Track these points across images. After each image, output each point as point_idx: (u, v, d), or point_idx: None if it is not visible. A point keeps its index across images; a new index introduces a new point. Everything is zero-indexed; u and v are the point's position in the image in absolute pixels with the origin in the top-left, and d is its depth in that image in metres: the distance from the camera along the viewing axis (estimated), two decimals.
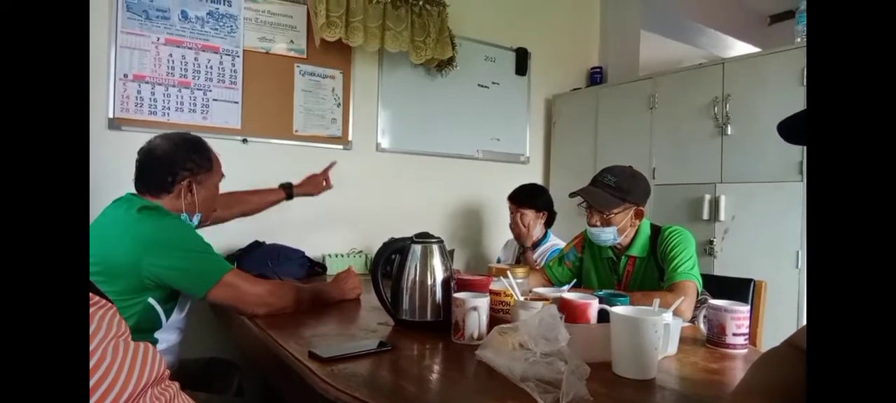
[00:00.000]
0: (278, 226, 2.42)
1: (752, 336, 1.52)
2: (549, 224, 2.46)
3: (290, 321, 1.34)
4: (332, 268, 2.31)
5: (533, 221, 2.39)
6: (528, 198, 2.41)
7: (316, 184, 2.17)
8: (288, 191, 2.09)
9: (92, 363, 0.53)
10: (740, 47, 3.98)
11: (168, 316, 1.38)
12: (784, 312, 2.03)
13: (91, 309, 0.57)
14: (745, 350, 1.15)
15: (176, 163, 1.43)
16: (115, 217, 1.38)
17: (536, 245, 2.42)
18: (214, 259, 1.38)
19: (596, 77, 3.41)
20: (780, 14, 4.03)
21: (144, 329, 1.34)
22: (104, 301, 0.61)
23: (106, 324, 0.57)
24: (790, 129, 0.65)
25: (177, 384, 0.69)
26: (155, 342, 1.38)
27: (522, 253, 2.45)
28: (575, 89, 3.34)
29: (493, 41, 3.13)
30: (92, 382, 0.52)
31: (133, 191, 1.47)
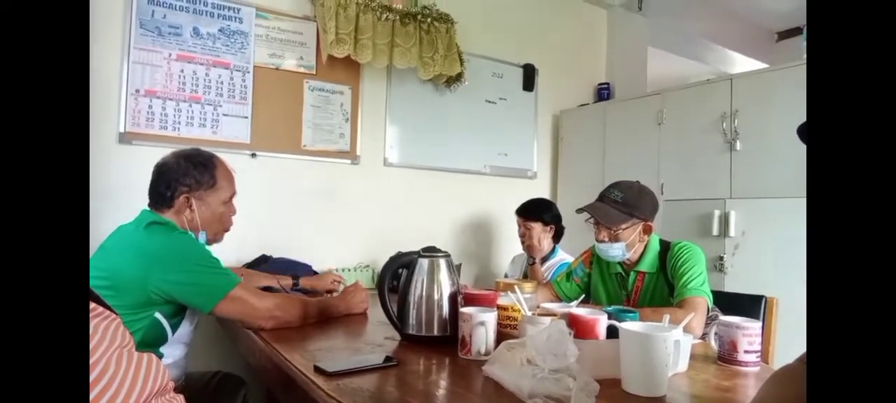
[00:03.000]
0: (286, 240, 2.42)
1: (764, 354, 1.49)
2: (556, 239, 2.45)
3: (295, 335, 1.34)
4: None
5: (540, 235, 2.38)
6: (536, 211, 2.41)
7: (321, 283, 2.01)
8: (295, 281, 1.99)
9: (95, 373, 0.52)
10: (748, 63, 3.97)
11: (174, 330, 1.38)
12: (796, 329, 1.98)
13: (95, 320, 0.57)
14: (757, 368, 1.13)
15: (175, 177, 1.44)
16: (126, 232, 1.40)
17: (544, 259, 2.41)
18: (221, 273, 1.37)
19: (603, 93, 3.41)
20: (788, 30, 4.02)
21: (150, 343, 1.34)
22: (108, 312, 0.61)
23: (110, 335, 0.57)
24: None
25: (181, 397, 0.68)
26: (160, 356, 1.37)
27: (531, 266, 2.44)
28: (582, 105, 3.34)
29: (500, 57, 3.15)
30: (95, 392, 0.52)
31: (147, 205, 1.49)
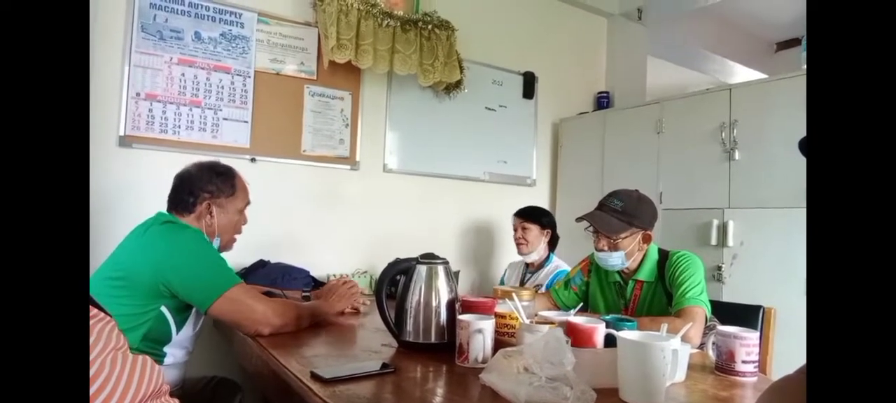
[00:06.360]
0: (283, 245, 2.42)
1: (762, 364, 1.49)
2: (552, 246, 2.46)
3: (292, 341, 1.33)
4: None
5: (536, 237, 2.40)
6: (533, 213, 2.44)
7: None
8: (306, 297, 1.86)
9: (91, 373, 0.52)
10: (747, 73, 3.99)
11: (179, 328, 1.40)
12: (794, 339, 1.99)
13: (91, 322, 0.57)
14: (754, 378, 1.13)
15: (199, 185, 1.51)
16: (142, 230, 1.46)
17: (539, 267, 2.42)
18: (223, 273, 1.39)
19: (603, 101, 3.43)
20: (787, 41, 4.04)
21: (154, 339, 1.36)
22: (104, 315, 0.61)
23: (105, 337, 0.57)
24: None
25: (176, 400, 0.68)
26: (163, 355, 1.39)
27: (527, 272, 2.45)
28: (582, 113, 3.35)
29: (500, 65, 3.16)
30: (91, 392, 0.52)
31: (165, 210, 1.54)
